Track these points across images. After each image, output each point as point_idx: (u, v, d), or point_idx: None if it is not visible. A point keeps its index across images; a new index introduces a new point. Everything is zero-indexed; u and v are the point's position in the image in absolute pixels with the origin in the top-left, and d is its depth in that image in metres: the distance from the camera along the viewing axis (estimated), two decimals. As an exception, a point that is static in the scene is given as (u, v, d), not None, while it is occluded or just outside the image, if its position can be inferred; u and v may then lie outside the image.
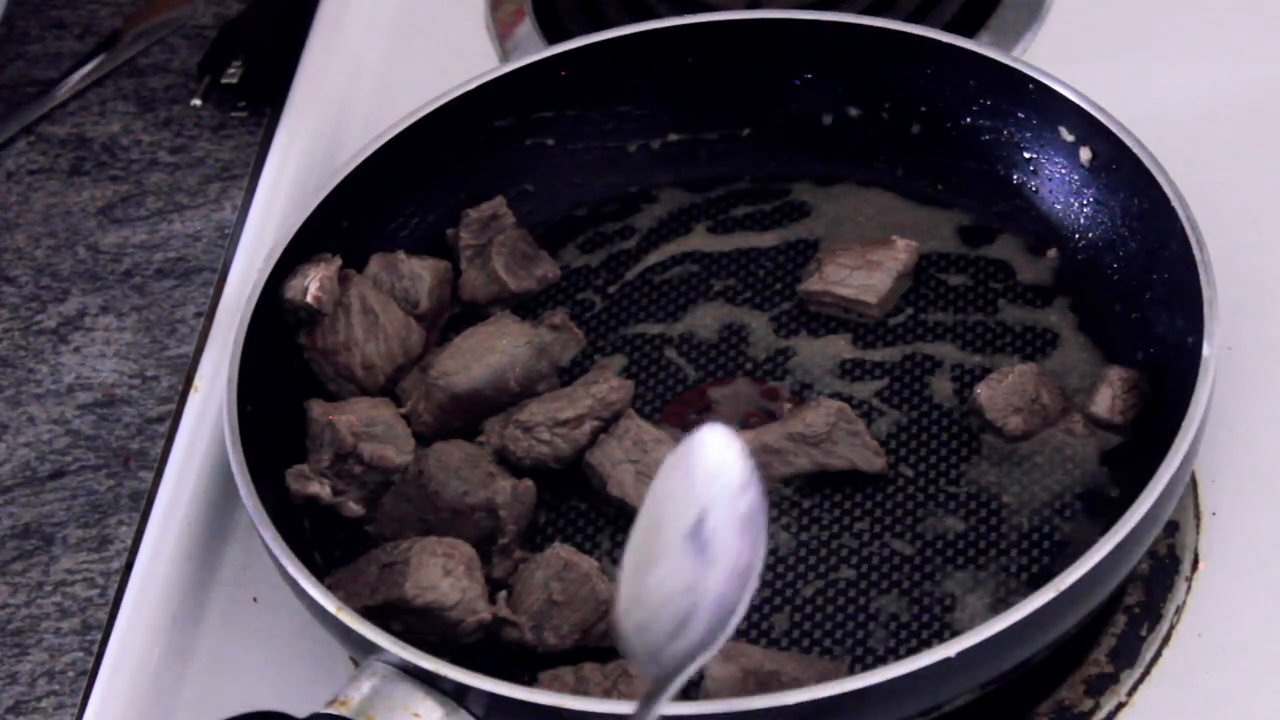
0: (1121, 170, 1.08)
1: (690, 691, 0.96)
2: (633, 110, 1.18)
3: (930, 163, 1.16)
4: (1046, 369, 1.06)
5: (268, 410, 1.04)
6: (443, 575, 0.97)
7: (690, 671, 0.79)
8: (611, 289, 1.14)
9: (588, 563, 0.98)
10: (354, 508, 1.04)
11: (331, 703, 0.88)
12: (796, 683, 0.93)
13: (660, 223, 1.17)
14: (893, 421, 1.06)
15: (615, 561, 1.02)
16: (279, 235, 1.10)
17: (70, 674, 1.04)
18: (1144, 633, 1.00)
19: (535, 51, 1.18)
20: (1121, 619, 1.00)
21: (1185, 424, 0.94)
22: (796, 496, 1.03)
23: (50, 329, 1.19)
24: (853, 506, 1.03)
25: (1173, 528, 1.03)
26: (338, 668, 1.01)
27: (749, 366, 1.10)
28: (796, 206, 1.17)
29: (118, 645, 1.02)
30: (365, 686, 0.90)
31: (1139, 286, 1.07)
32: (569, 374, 1.10)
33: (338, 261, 1.09)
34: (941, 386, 1.07)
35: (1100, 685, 0.98)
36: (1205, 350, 0.97)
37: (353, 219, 1.13)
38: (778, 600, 1.00)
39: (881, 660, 0.97)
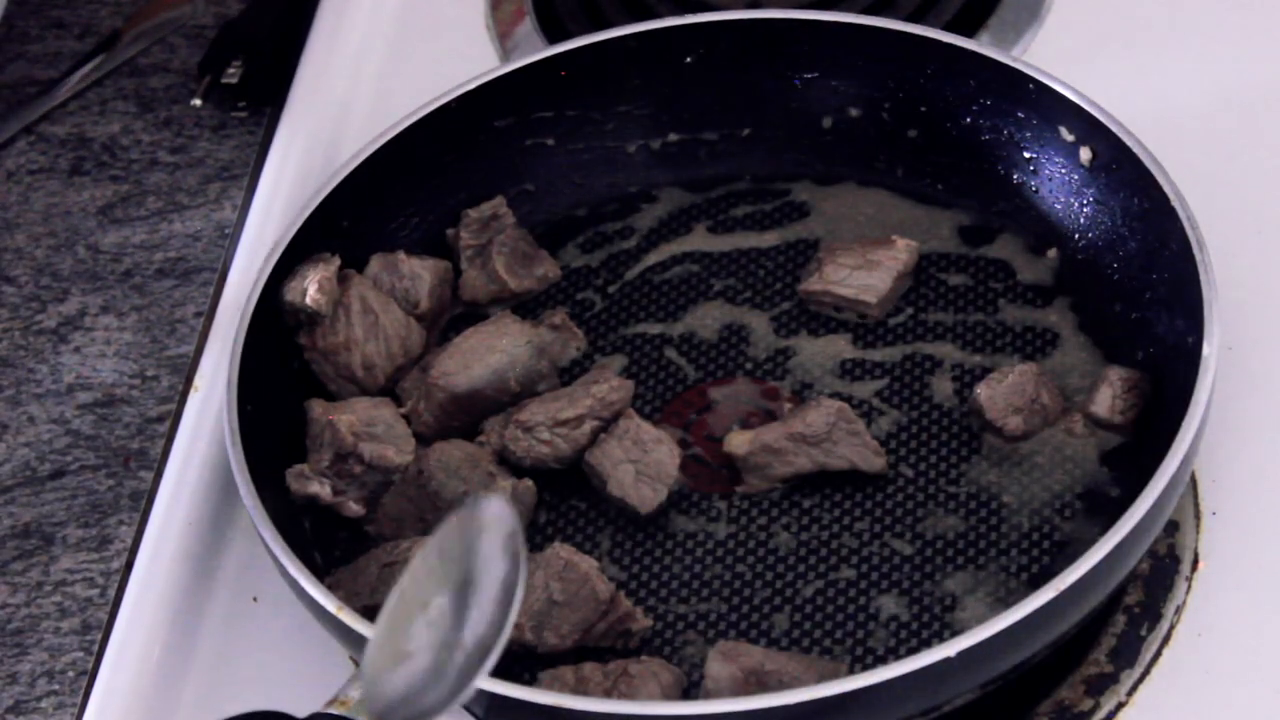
0: (1121, 170, 1.08)
1: (690, 691, 0.96)
2: (633, 110, 1.18)
3: (930, 163, 1.16)
4: (1046, 369, 1.06)
5: (268, 410, 1.04)
6: (443, 575, 0.97)
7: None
8: (611, 289, 1.14)
9: (588, 563, 0.98)
10: (354, 508, 1.04)
11: (331, 703, 0.88)
12: (796, 683, 0.93)
13: (660, 223, 1.17)
14: (893, 421, 1.06)
15: (615, 561, 1.02)
16: (279, 235, 1.10)
17: (70, 674, 1.04)
18: (1144, 633, 1.00)
19: (535, 51, 1.18)
20: (1121, 619, 1.00)
21: (1185, 424, 0.94)
22: (796, 496, 1.04)
23: (50, 329, 1.19)
24: (853, 506, 1.03)
25: (1173, 528, 1.03)
26: (338, 668, 1.01)
27: (749, 366, 1.10)
28: (796, 206, 1.17)
29: (118, 645, 1.02)
30: (365, 686, 0.90)
31: (1139, 286, 1.07)
32: (569, 374, 1.10)
33: (336, 262, 1.09)
34: (941, 386, 1.07)
35: (1100, 685, 0.98)
36: (1205, 350, 0.97)
37: (353, 219, 1.13)
38: (778, 600, 1.00)
39: (882, 660, 0.97)
